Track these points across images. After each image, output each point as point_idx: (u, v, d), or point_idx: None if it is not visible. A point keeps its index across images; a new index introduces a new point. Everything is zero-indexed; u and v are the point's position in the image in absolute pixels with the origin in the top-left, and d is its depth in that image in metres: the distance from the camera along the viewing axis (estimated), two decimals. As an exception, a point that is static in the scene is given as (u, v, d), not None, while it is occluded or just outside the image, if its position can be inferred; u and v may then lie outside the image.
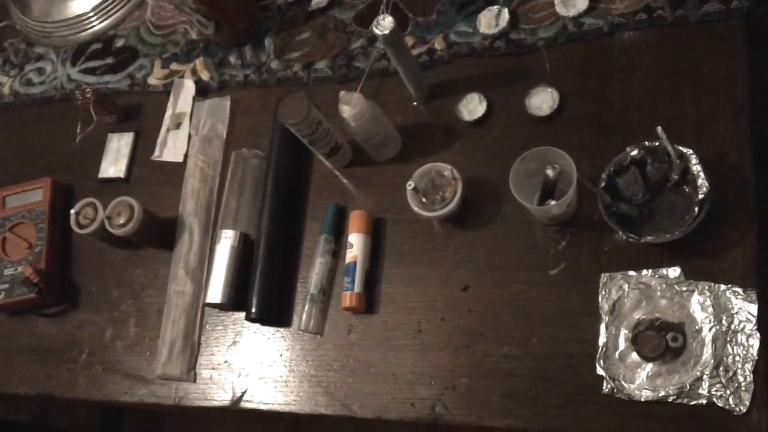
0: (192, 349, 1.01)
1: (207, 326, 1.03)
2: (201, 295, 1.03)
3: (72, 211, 1.08)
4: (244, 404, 0.97)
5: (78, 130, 1.23)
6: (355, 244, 0.95)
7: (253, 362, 0.98)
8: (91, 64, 1.32)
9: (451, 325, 0.90)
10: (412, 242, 0.97)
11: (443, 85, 1.03)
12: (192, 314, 1.03)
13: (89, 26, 1.35)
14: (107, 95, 1.21)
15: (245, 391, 0.97)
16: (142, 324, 1.06)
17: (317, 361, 0.95)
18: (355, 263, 0.94)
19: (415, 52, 1.05)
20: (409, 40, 1.06)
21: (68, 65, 1.34)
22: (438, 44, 1.05)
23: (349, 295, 0.93)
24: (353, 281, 0.93)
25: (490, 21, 1.01)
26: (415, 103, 1.04)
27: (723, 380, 0.76)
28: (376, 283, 0.96)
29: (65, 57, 1.35)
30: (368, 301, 0.95)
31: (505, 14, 1.00)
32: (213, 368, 1.00)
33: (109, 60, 1.30)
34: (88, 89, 1.17)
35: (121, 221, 1.03)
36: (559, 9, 0.98)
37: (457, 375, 0.88)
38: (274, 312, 0.98)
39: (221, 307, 1.00)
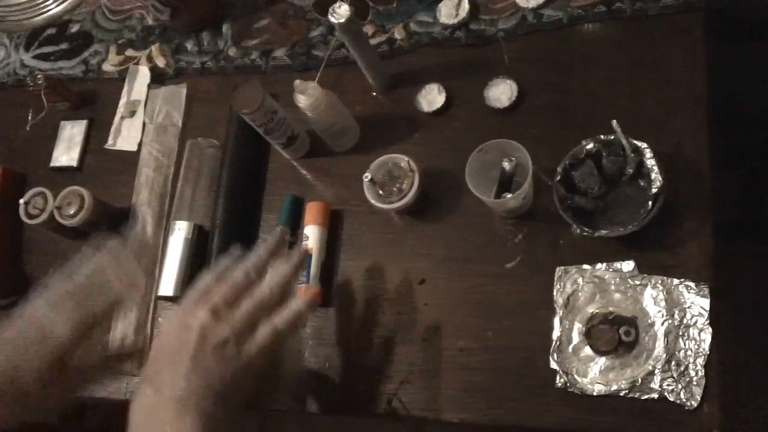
0: (144, 343, 0.99)
1: (159, 320, 1.01)
2: (153, 288, 1.01)
3: (21, 201, 1.05)
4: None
5: (30, 118, 1.20)
6: (311, 236, 0.94)
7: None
8: (45, 49, 1.28)
9: (408, 318, 0.89)
10: (370, 234, 0.96)
11: (403, 75, 1.02)
12: (143, 307, 1.00)
13: (44, 10, 1.31)
14: (60, 82, 1.17)
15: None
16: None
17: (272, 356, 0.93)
18: (310, 256, 0.93)
19: (375, 41, 1.04)
20: (370, 29, 1.05)
21: (21, 50, 1.30)
22: (398, 34, 1.03)
23: (304, 289, 0.92)
24: (309, 274, 0.92)
25: (451, 11, 1.00)
26: (374, 93, 1.03)
27: (675, 375, 0.76)
28: (333, 276, 0.95)
29: (19, 42, 1.31)
30: (324, 295, 0.93)
31: (465, 4, 0.99)
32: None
33: (64, 45, 1.27)
34: (40, 75, 1.13)
35: (72, 211, 1.01)
36: (519, 0, 0.97)
37: (413, 369, 0.87)
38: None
39: (174, 300, 0.98)
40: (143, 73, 1.16)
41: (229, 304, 0.73)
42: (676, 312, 0.78)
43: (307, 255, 0.82)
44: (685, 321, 0.78)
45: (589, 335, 0.80)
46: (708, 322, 0.77)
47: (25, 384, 0.73)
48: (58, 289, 0.82)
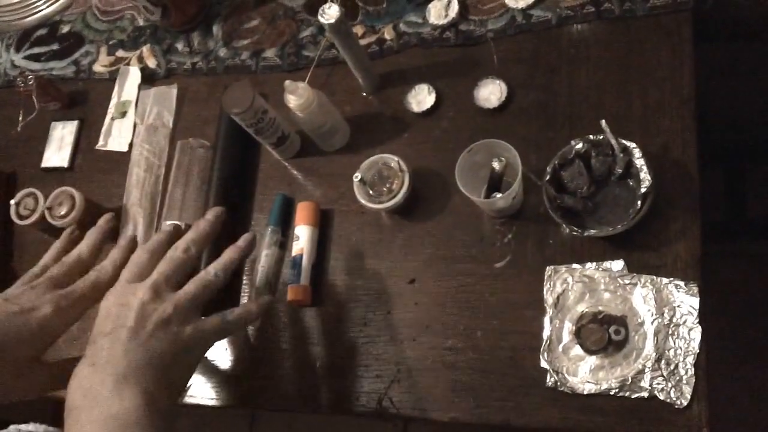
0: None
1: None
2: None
3: (12, 202, 1.05)
4: (189, 399, 0.95)
5: (20, 118, 1.20)
6: (302, 236, 0.94)
7: (197, 356, 0.96)
8: (36, 50, 1.28)
9: (398, 317, 0.90)
10: (359, 234, 0.96)
11: (392, 76, 1.02)
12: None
13: (35, 11, 1.31)
14: (51, 82, 1.17)
15: (189, 386, 0.95)
16: (84, 317, 1.03)
17: (262, 355, 0.93)
18: (301, 255, 0.93)
19: (364, 41, 1.04)
20: (359, 30, 1.05)
21: (12, 51, 1.30)
22: (388, 34, 1.03)
23: (294, 288, 0.92)
24: (299, 274, 0.92)
25: (440, 12, 1.01)
26: (364, 93, 1.03)
27: (664, 373, 0.76)
28: (323, 276, 0.95)
29: (9, 43, 1.31)
30: (314, 294, 0.93)
31: (455, 5, 0.99)
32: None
33: (54, 46, 1.27)
34: (30, 76, 1.13)
35: (62, 212, 1.01)
36: (509, 1, 0.98)
37: (402, 368, 0.87)
38: (219, 305, 0.96)
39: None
40: (134, 74, 1.16)
41: (169, 282, 0.72)
42: (666, 311, 0.78)
43: (254, 241, 0.81)
44: (674, 320, 0.78)
45: (578, 334, 0.80)
46: (697, 320, 0.77)
47: None
48: (37, 269, 0.82)
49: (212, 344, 0.75)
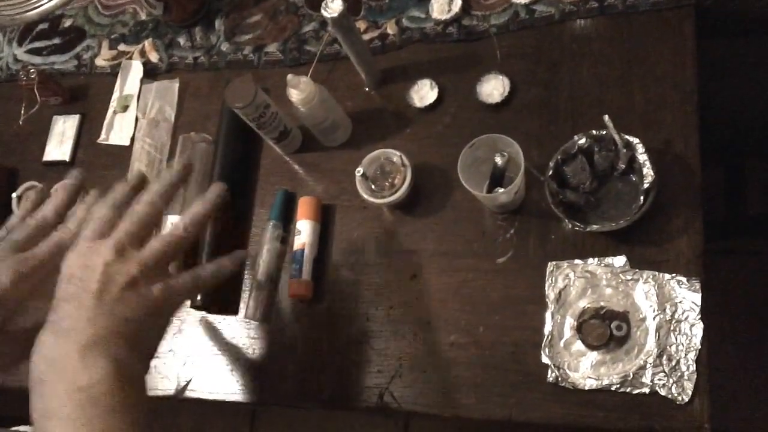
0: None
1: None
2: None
3: (14, 195, 1.05)
4: (189, 394, 0.95)
5: (22, 112, 1.20)
6: (303, 231, 0.94)
7: (198, 351, 0.96)
8: (38, 44, 1.28)
9: (399, 313, 0.90)
10: (361, 229, 0.96)
11: (395, 71, 1.02)
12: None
13: (37, 5, 1.31)
14: (52, 76, 1.17)
15: (190, 381, 0.95)
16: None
17: (264, 349, 0.94)
18: (303, 250, 0.93)
19: (367, 36, 1.04)
20: (362, 25, 1.05)
21: (14, 45, 1.30)
22: (390, 29, 1.03)
23: (296, 283, 0.92)
24: (301, 269, 0.92)
25: (443, 7, 1.00)
26: (366, 89, 1.03)
27: (666, 369, 0.76)
28: (324, 271, 0.95)
29: (12, 37, 1.31)
30: (316, 289, 0.93)
31: (458, 0, 0.99)
32: (157, 357, 0.97)
33: (56, 40, 1.26)
34: (32, 70, 1.13)
35: (64, 206, 1.00)
36: (512, -4, 0.98)
37: (404, 363, 0.87)
38: (221, 299, 0.96)
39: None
40: (136, 68, 1.16)
41: (134, 240, 0.65)
42: (668, 307, 0.78)
43: (224, 193, 0.73)
44: (676, 316, 0.78)
45: (580, 330, 0.80)
46: (699, 317, 0.77)
47: None
48: (2, 232, 0.75)
49: (182, 303, 0.69)
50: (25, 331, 0.67)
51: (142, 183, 0.72)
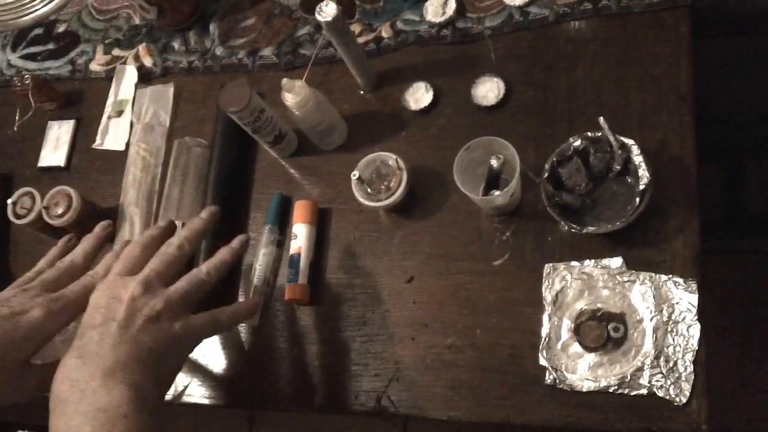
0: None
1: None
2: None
3: (9, 201, 1.04)
4: (186, 399, 0.95)
5: (17, 118, 1.20)
6: (300, 234, 0.94)
7: (195, 356, 0.96)
8: (32, 49, 1.27)
9: (396, 316, 0.89)
10: (357, 232, 0.95)
11: (390, 74, 1.02)
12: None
13: (31, 10, 1.31)
14: (47, 82, 1.17)
15: (187, 386, 0.95)
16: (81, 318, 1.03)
17: (260, 354, 0.93)
18: (299, 254, 0.92)
19: (362, 39, 1.03)
20: (357, 28, 1.05)
21: (8, 51, 1.29)
22: (385, 32, 1.03)
23: (292, 287, 0.91)
24: (297, 273, 0.92)
25: (437, 9, 1.00)
26: (361, 92, 1.02)
27: (663, 370, 0.76)
28: (321, 275, 0.95)
29: (5, 42, 1.31)
30: (312, 293, 0.93)
31: (452, 3, 0.99)
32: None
33: (51, 45, 1.26)
34: (27, 75, 1.13)
35: (59, 211, 1.00)
36: (506, -2, 0.98)
37: (401, 367, 0.87)
38: (217, 304, 0.95)
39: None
40: (130, 73, 1.16)
41: (161, 278, 0.72)
42: (665, 308, 0.78)
43: (248, 242, 0.83)
44: (673, 317, 0.78)
45: (577, 332, 0.80)
46: (696, 317, 0.77)
47: None
48: (31, 274, 0.82)
49: (201, 341, 0.75)
50: (52, 365, 0.70)
51: (171, 228, 0.81)
